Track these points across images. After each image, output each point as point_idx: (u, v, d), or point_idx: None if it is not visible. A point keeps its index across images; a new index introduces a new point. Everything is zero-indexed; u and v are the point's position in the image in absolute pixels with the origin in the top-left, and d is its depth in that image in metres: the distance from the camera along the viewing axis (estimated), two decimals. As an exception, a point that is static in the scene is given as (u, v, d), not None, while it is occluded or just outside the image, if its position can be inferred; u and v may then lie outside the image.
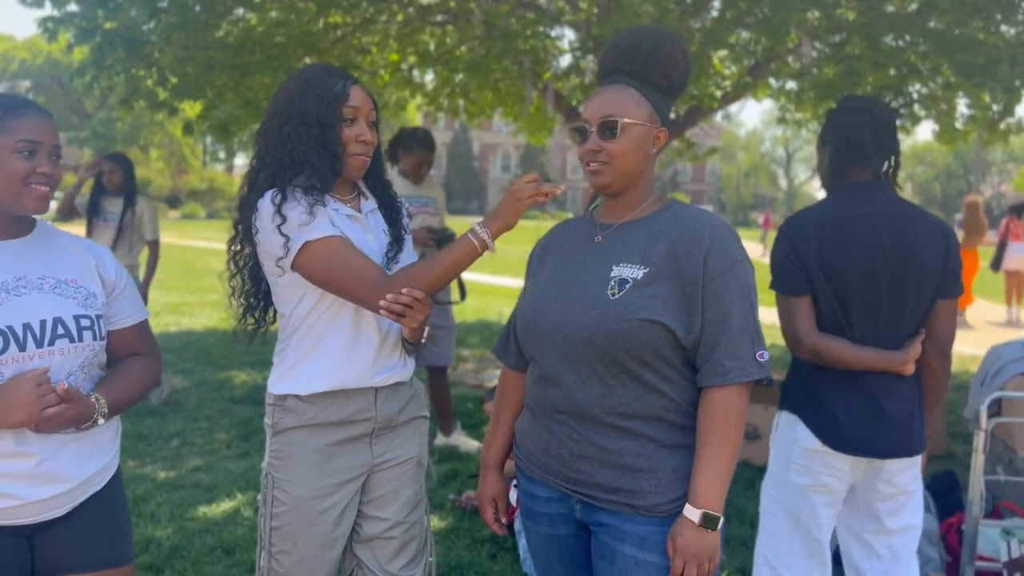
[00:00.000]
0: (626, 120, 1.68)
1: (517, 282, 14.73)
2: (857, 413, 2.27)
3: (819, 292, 2.26)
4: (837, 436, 2.28)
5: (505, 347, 1.96)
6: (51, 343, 1.71)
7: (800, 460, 2.33)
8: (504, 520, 1.98)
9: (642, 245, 1.70)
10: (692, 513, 1.60)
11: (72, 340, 1.74)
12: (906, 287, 2.25)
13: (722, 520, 1.60)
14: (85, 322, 1.77)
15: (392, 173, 4.59)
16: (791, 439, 2.36)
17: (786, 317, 2.31)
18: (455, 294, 4.67)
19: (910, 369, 2.26)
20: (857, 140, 2.33)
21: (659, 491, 1.65)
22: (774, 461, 2.45)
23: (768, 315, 11.45)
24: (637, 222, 1.74)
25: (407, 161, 4.53)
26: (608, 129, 1.68)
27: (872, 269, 2.23)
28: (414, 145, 4.50)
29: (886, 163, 2.37)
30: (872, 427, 2.27)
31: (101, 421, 1.78)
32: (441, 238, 4.43)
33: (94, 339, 1.79)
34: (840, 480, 2.33)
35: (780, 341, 9.46)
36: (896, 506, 2.37)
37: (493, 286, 14.74)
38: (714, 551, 1.60)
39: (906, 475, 2.35)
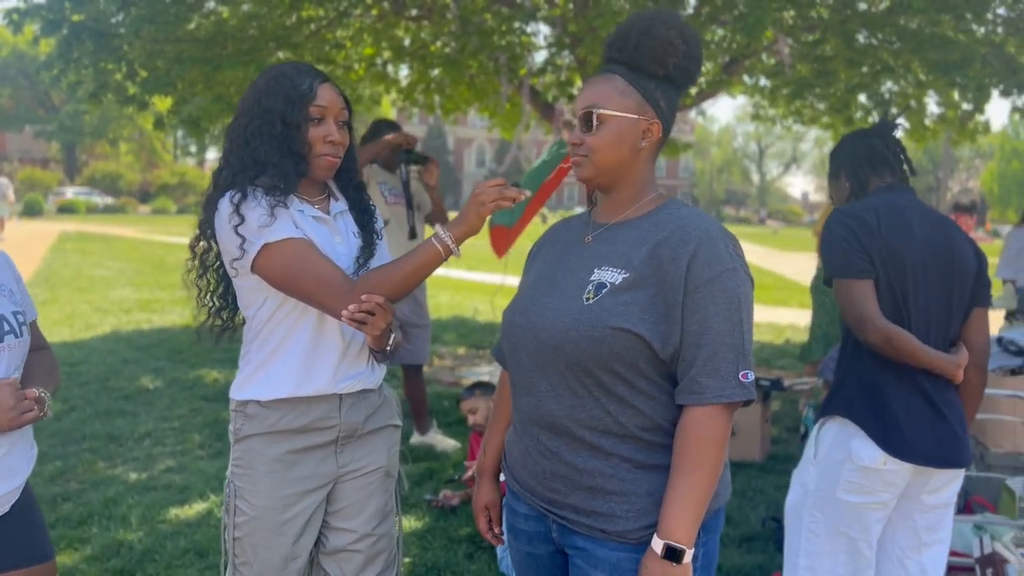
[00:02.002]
0: (602, 111, 1.59)
1: (492, 278, 14.71)
2: (919, 418, 2.18)
3: (882, 278, 2.17)
4: (901, 444, 2.16)
5: (502, 349, 1.88)
6: (1, 340, 1.75)
7: (853, 478, 2.21)
8: (497, 530, 1.90)
9: (628, 247, 1.59)
10: (656, 544, 1.48)
11: (16, 336, 1.78)
12: (952, 286, 2.21)
13: (688, 553, 1.47)
14: (20, 318, 1.81)
15: (373, 167, 4.62)
16: (843, 457, 2.23)
17: (851, 303, 2.17)
18: None
19: (961, 375, 2.19)
20: (867, 149, 2.36)
21: (632, 516, 1.54)
22: (819, 479, 2.31)
23: (773, 314, 11.53)
24: (629, 223, 1.63)
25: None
26: (587, 121, 1.60)
27: (925, 259, 2.18)
28: (386, 134, 4.54)
29: (902, 170, 2.38)
30: (934, 434, 2.18)
31: (50, 414, 1.82)
32: (413, 153, 4.42)
33: (28, 333, 1.84)
34: (894, 494, 2.23)
35: (767, 337, 9.52)
36: (936, 519, 2.29)
37: (468, 282, 14.70)
38: None
39: (951, 488, 2.27)
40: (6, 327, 1.76)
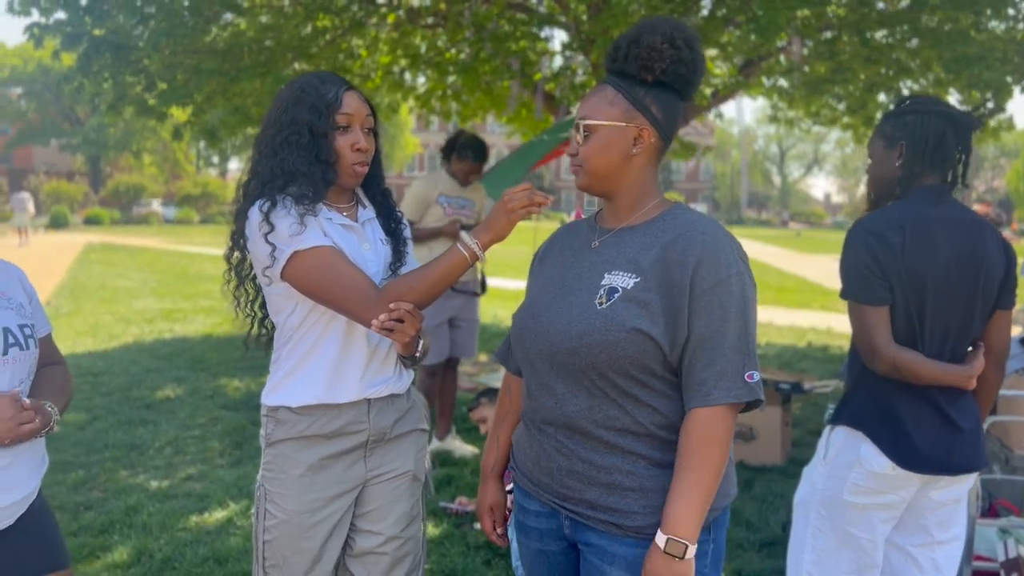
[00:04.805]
0: (588, 121, 1.63)
1: (511, 283, 14.71)
2: (929, 429, 2.16)
3: (899, 302, 2.13)
4: (911, 456, 2.15)
5: (507, 352, 1.89)
6: (5, 352, 1.74)
7: (862, 482, 2.20)
8: (500, 531, 1.93)
9: (636, 252, 1.61)
10: (660, 539, 1.50)
11: (22, 348, 1.78)
12: (976, 296, 2.16)
13: (691, 548, 1.49)
14: (27, 331, 1.81)
15: (442, 171, 4.82)
16: (852, 460, 2.21)
17: (862, 328, 2.15)
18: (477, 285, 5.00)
19: (973, 384, 2.17)
20: (939, 137, 2.20)
21: (648, 512, 1.56)
22: (826, 480, 2.29)
23: (796, 317, 11.44)
24: (635, 227, 1.66)
25: (458, 166, 4.76)
26: (582, 131, 1.65)
27: (949, 277, 2.13)
28: (468, 155, 4.73)
29: (955, 174, 2.25)
30: (946, 443, 2.16)
31: (56, 428, 1.81)
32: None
33: (35, 347, 1.83)
34: (903, 498, 2.22)
35: (788, 340, 9.43)
36: (947, 516, 2.27)
37: (488, 287, 14.67)
38: None
39: (961, 485, 2.25)
40: (11, 340, 1.76)
